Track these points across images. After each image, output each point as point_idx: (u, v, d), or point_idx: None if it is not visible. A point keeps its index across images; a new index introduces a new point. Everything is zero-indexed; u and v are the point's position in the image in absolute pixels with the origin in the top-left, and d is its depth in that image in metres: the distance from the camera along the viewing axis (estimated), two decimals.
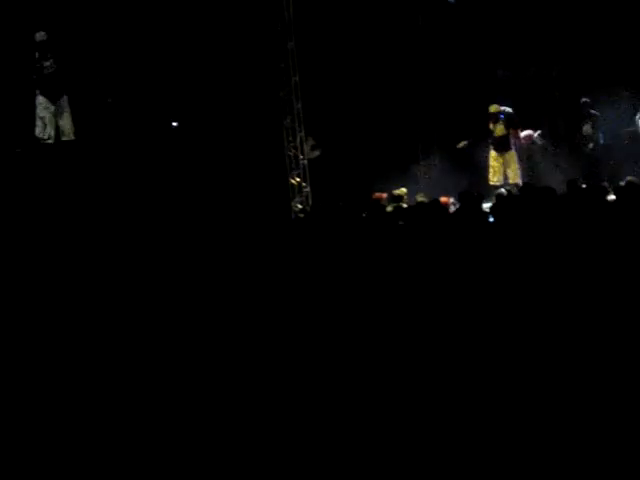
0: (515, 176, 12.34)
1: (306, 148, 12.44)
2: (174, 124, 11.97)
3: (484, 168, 12.60)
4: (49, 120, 10.97)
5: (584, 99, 12.45)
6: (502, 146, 12.44)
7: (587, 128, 12.37)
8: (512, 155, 12.47)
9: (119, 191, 10.35)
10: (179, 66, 11.75)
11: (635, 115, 12.05)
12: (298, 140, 12.36)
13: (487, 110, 12.44)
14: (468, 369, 4.76)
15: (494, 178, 12.43)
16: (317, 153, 12.78)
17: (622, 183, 8.67)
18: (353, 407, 4.11)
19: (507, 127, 12.41)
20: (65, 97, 11.07)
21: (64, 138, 11.07)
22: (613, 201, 7.82)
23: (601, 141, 12.43)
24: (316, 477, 3.47)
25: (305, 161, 12.44)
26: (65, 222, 9.32)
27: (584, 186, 9.17)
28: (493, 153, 12.53)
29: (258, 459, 3.47)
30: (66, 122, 11.07)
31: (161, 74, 11.67)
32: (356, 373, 4.74)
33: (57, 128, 11.02)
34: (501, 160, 12.45)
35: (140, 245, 7.98)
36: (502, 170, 12.40)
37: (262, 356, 5.08)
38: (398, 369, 4.81)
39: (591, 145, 12.37)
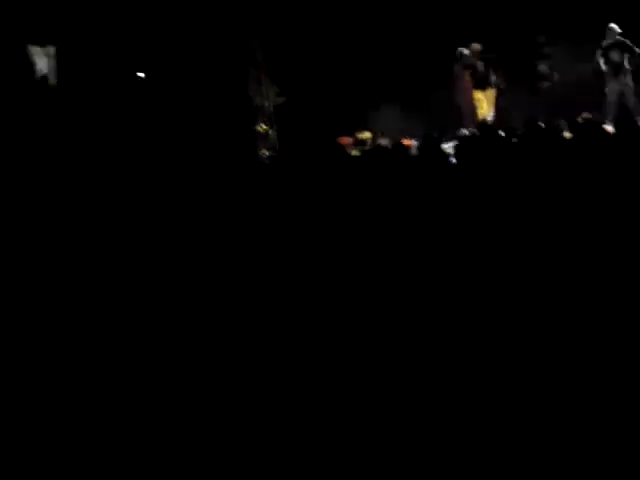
0: (490, 114, 12.50)
1: (271, 95, 12.50)
2: (140, 75, 11.94)
3: (450, 110, 12.74)
4: None
5: (540, 37, 12.59)
6: (482, 84, 12.63)
7: (543, 67, 12.52)
8: (492, 93, 12.66)
9: (84, 139, 10.28)
10: (144, 14, 11.66)
11: (597, 51, 12.13)
12: (263, 88, 12.41)
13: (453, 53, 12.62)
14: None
15: (481, 114, 12.57)
16: (282, 100, 12.84)
17: (579, 120, 8.85)
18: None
19: (486, 66, 12.61)
20: None
21: None
22: (570, 138, 7.99)
23: (557, 79, 12.58)
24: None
25: (271, 108, 12.50)
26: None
27: (542, 125, 9.34)
28: (476, 91, 12.70)
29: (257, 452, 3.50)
30: None
31: (126, 25, 11.58)
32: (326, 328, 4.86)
33: None
34: (483, 97, 12.62)
35: (103, 192, 7.85)
36: (484, 107, 12.59)
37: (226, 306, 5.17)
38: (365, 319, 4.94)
39: (548, 83, 12.52)
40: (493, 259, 5.51)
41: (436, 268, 5.43)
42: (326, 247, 5.82)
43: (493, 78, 12.66)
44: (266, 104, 12.42)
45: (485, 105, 12.67)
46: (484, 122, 11.84)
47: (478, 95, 12.72)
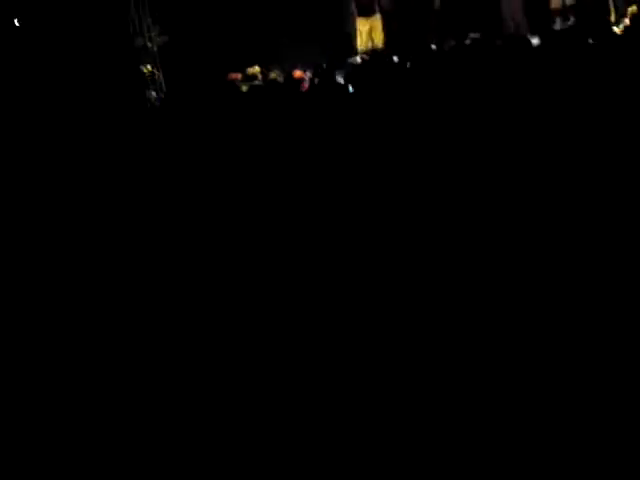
0: (380, 41, 12.32)
1: (154, 35, 12.12)
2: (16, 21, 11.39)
3: (344, 36, 12.54)
4: None
5: None
6: (367, 11, 12.41)
7: None
8: (378, 20, 12.44)
9: None
10: None
11: None
12: (145, 28, 12.02)
13: None
14: None
15: (361, 44, 12.38)
16: (165, 39, 12.46)
17: (467, 41, 8.84)
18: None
19: None
20: None
21: None
22: (462, 58, 7.96)
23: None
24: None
25: (155, 49, 12.14)
26: None
27: (434, 47, 9.31)
28: (359, 19, 12.49)
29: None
30: None
31: None
32: None
33: None
34: (367, 25, 12.42)
35: None
36: (369, 35, 12.36)
37: None
38: None
39: (438, 4, 12.41)
40: (394, 186, 5.51)
41: (335, 197, 5.41)
42: (221, 183, 5.75)
43: (378, 4, 12.46)
44: (149, 45, 12.02)
45: (371, 33, 12.46)
46: (375, 49, 11.73)
47: (362, 22, 12.50)
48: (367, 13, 12.41)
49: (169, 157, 6.51)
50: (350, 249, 4.92)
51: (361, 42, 12.40)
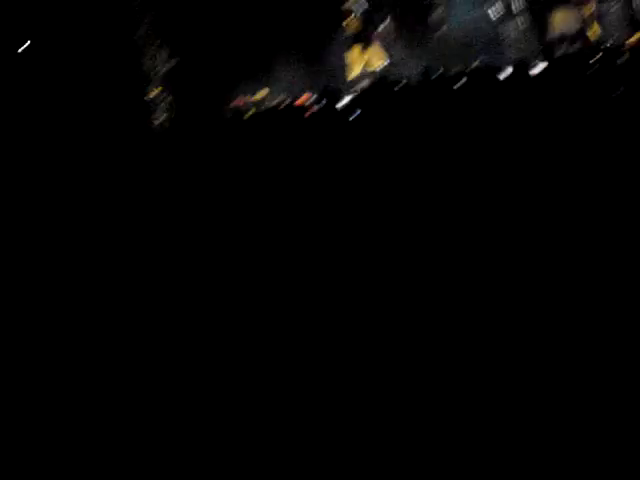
0: (378, 60, 12.39)
1: (162, 58, 12.23)
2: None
3: (342, 65, 12.61)
4: None
5: None
6: (363, 38, 12.50)
7: (436, 13, 12.50)
8: (376, 46, 12.52)
9: None
10: None
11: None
12: (154, 51, 12.14)
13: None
14: None
15: (353, 73, 12.48)
16: (174, 62, 12.58)
17: (473, 67, 8.89)
18: None
19: (364, 22, 12.47)
20: None
21: None
22: (464, 84, 8.00)
23: (451, 26, 12.60)
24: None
25: (163, 71, 12.25)
26: None
27: (441, 71, 9.35)
28: (356, 45, 12.58)
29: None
30: None
31: None
32: None
33: None
34: (365, 53, 12.50)
35: None
36: (366, 62, 12.45)
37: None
38: None
39: (441, 31, 12.50)
40: (403, 216, 5.54)
41: (344, 230, 5.45)
42: (228, 211, 5.78)
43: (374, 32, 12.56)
44: (157, 68, 12.14)
45: (368, 60, 12.51)
46: (375, 75, 11.79)
47: (356, 50, 12.58)
48: (363, 40, 12.50)
49: (172, 179, 6.57)
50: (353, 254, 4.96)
51: (357, 69, 12.49)
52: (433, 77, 8.49)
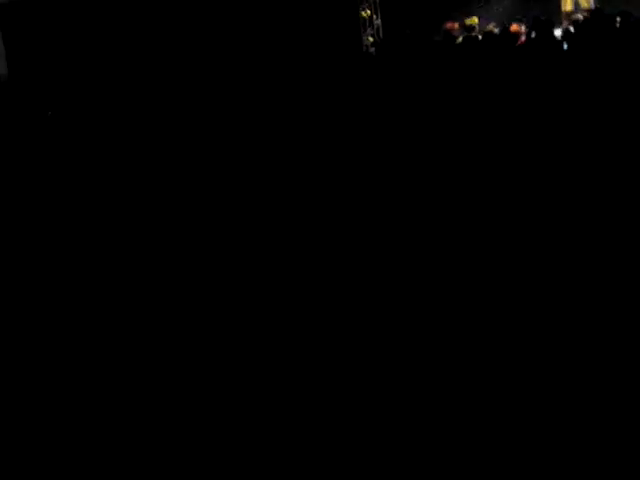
0: (586, 2, 11.99)
1: None
2: None
3: None
4: None
5: None
6: None
7: None
8: None
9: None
10: None
11: None
12: None
13: None
14: None
15: (566, 5, 12.10)
16: None
17: None
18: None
19: None
20: None
21: None
22: None
23: None
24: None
25: None
26: None
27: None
28: None
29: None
30: None
31: None
32: None
33: None
34: None
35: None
36: None
37: None
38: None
39: None
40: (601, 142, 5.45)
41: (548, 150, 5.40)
42: (433, 132, 5.82)
43: None
44: None
45: None
46: (595, 9, 11.35)
47: None
48: None
49: (382, 101, 6.63)
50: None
51: (565, 2, 12.07)
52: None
